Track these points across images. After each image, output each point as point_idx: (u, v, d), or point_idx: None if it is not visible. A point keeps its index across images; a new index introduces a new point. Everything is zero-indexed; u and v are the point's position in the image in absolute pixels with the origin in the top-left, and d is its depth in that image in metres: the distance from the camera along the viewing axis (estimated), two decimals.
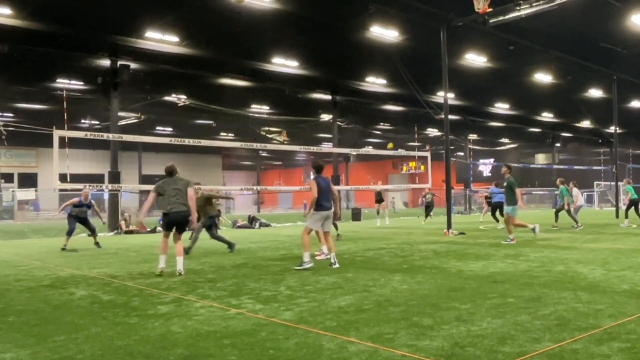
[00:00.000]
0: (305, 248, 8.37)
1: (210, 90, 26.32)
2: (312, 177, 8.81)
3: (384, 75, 25.70)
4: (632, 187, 17.05)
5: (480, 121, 37.49)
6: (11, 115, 30.88)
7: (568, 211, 16.78)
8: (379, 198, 21.69)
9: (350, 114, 32.75)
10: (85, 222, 13.82)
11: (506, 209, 12.55)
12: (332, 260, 8.49)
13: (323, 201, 8.52)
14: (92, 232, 13.95)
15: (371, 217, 25.90)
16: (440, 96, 22.29)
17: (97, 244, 13.65)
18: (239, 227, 21.58)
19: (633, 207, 16.88)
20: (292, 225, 24.13)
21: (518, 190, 12.36)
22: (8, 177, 44.46)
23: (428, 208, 23.02)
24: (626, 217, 17.12)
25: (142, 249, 12.83)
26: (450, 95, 25.21)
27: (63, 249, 13.01)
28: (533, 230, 12.98)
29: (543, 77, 25.91)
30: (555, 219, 17.04)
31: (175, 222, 8.12)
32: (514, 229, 12.54)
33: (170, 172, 8.49)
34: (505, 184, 12.58)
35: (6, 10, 16.27)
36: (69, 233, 13.42)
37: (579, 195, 17.16)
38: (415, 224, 22.23)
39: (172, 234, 8.20)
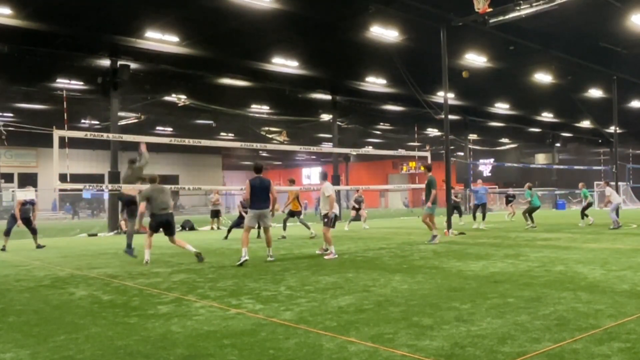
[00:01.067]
0: (243, 244, 9.13)
1: (210, 90, 26.30)
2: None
3: (384, 75, 25.68)
4: (588, 191, 18.82)
5: (480, 121, 37.47)
6: (11, 115, 30.86)
7: (524, 212, 17.90)
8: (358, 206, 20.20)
9: (350, 114, 32.74)
10: (28, 222, 13.84)
11: (426, 208, 12.57)
12: (269, 254, 9.62)
13: (255, 201, 9.45)
14: (33, 232, 13.94)
15: (372, 217, 25.90)
16: (440, 96, 22.28)
17: (39, 246, 13.69)
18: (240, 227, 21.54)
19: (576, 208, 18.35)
20: (292, 225, 24.11)
21: (434, 191, 12.31)
22: (8, 177, 44.43)
23: (457, 209, 20.47)
24: (583, 217, 18.24)
25: (142, 249, 12.80)
26: (450, 95, 25.19)
27: (2, 250, 13.20)
28: (432, 237, 12.41)
29: (543, 77, 25.90)
30: (530, 220, 17.62)
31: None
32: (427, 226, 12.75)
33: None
34: (426, 182, 12.59)
35: (6, 10, 16.26)
36: (7, 233, 13.61)
37: (612, 194, 17.12)
38: (416, 224, 22.20)
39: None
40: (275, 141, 36.27)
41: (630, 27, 18.53)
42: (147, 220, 9.73)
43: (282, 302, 5.72)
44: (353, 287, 6.55)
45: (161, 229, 9.75)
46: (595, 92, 29.48)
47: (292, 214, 15.79)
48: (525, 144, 50.38)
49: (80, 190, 36.16)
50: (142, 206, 9.54)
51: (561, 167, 38.09)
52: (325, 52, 21.99)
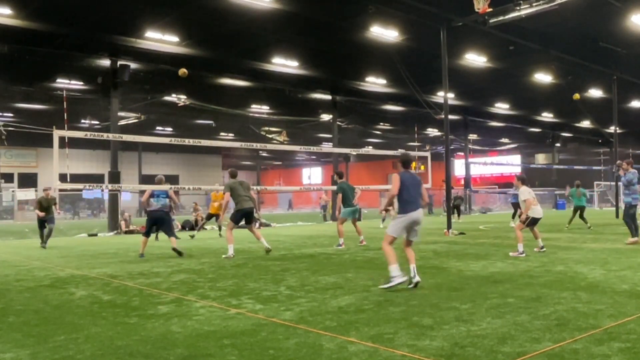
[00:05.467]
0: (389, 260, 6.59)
1: (210, 90, 26.30)
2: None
3: (384, 75, 25.69)
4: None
5: (480, 121, 37.48)
6: (11, 115, 30.87)
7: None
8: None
9: (350, 114, 32.75)
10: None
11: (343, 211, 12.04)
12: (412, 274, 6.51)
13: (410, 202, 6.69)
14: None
15: (372, 217, 25.92)
16: (440, 96, 22.28)
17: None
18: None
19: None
20: (292, 225, 24.14)
21: (340, 196, 11.94)
22: (8, 177, 44.44)
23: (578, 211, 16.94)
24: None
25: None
26: (450, 95, 25.19)
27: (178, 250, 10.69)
28: (339, 244, 11.95)
29: (543, 77, 25.90)
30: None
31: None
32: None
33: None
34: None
35: (6, 10, 16.27)
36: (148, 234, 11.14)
37: None
38: None
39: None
40: (275, 141, 36.28)
41: (630, 27, 18.52)
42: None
43: (282, 302, 5.72)
44: (353, 287, 6.55)
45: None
46: (595, 92, 29.48)
47: (211, 216, 17.08)
48: (525, 144, 50.36)
49: (80, 190, 36.20)
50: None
51: (561, 167, 38.09)
52: (325, 52, 21.99)
